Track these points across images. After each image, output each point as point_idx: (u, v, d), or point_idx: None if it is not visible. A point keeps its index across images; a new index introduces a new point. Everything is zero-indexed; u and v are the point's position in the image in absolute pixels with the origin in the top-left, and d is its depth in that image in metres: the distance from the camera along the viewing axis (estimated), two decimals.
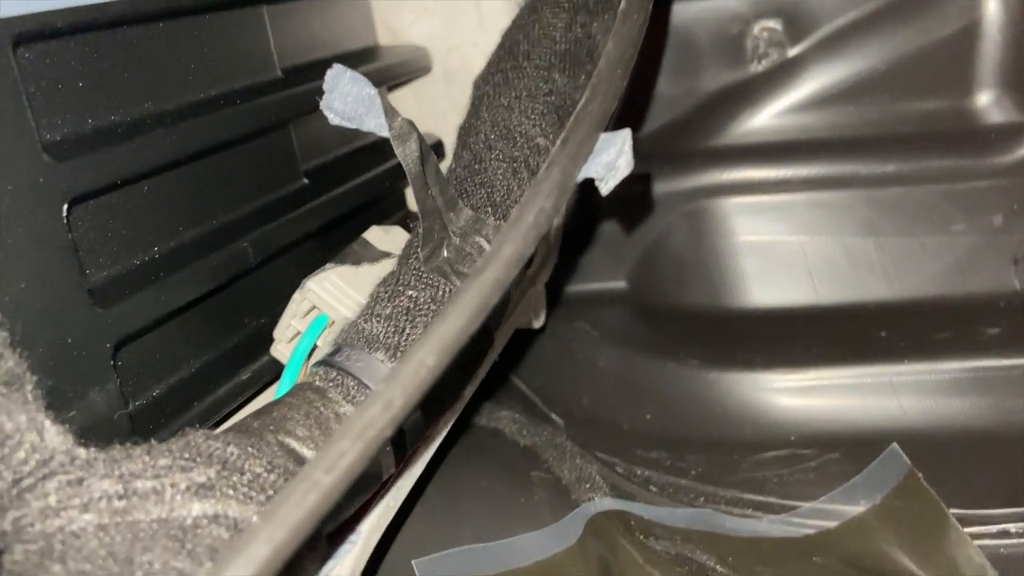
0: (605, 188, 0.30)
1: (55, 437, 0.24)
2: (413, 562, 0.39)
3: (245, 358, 0.42)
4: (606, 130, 0.31)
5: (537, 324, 0.58)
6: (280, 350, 0.42)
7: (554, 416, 0.58)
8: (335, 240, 0.51)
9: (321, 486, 0.21)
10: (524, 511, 0.46)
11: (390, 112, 0.33)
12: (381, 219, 0.56)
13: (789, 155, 0.61)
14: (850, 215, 0.59)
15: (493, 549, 0.41)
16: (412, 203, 0.64)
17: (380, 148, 0.57)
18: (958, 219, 0.57)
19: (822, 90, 0.60)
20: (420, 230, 0.37)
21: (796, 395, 0.53)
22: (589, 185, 0.32)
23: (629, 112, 0.65)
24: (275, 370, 0.43)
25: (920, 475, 0.42)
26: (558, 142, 0.30)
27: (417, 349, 0.24)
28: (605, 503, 0.44)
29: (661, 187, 0.62)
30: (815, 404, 0.52)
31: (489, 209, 0.40)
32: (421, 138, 0.35)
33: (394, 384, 0.23)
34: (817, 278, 0.59)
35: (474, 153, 0.43)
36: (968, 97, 0.58)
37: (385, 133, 0.33)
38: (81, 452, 0.25)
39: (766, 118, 0.62)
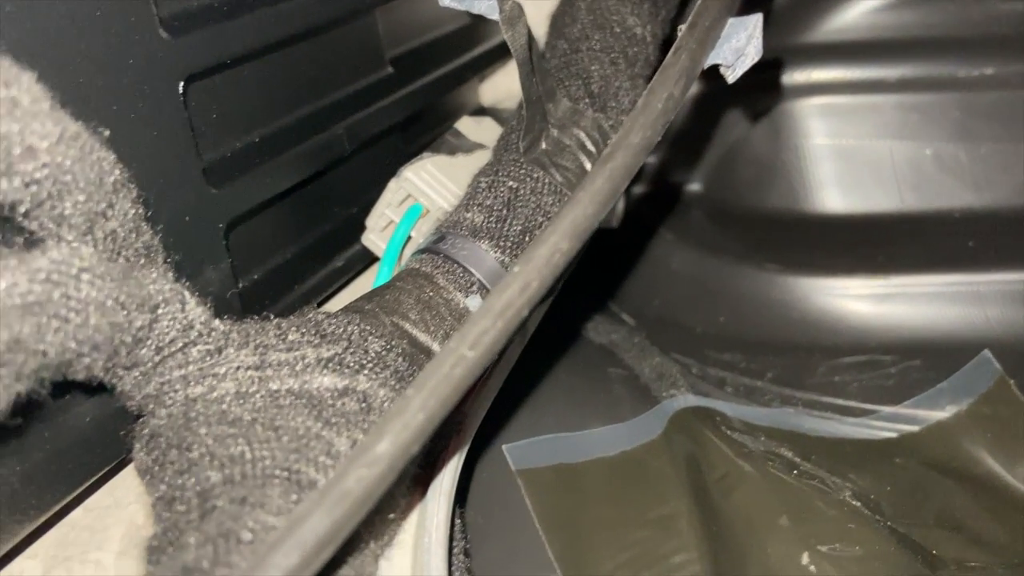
0: (732, 75, 0.29)
1: (195, 308, 0.25)
2: (504, 447, 0.40)
3: (338, 245, 0.43)
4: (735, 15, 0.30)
5: (615, 223, 0.57)
6: (372, 239, 0.43)
7: (624, 316, 0.58)
8: (417, 134, 0.50)
9: (467, 361, 0.21)
10: (603, 405, 0.46)
11: None
12: (457, 116, 0.55)
13: (881, 54, 0.58)
14: (942, 119, 0.56)
15: (578, 438, 0.42)
16: (486, 99, 0.63)
17: (459, 39, 0.55)
18: None
19: None
20: (522, 119, 0.36)
21: (876, 302, 0.53)
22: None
23: None
24: (366, 259, 0.44)
25: (1012, 382, 0.42)
26: (685, 26, 0.28)
27: (551, 233, 0.24)
28: (688, 399, 0.44)
29: (742, 86, 0.60)
30: (896, 312, 0.52)
31: (587, 100, 0.39)
32: (527, 23, 0.34)
33: (531, 266, 0.23)
34: (903, 184, 0.57)
35: (570, 42, 0.41)
36: None
37: (495, 16, 0.32)
38: (218, 323, 0.26)
39: (859, 14, 0.59)
